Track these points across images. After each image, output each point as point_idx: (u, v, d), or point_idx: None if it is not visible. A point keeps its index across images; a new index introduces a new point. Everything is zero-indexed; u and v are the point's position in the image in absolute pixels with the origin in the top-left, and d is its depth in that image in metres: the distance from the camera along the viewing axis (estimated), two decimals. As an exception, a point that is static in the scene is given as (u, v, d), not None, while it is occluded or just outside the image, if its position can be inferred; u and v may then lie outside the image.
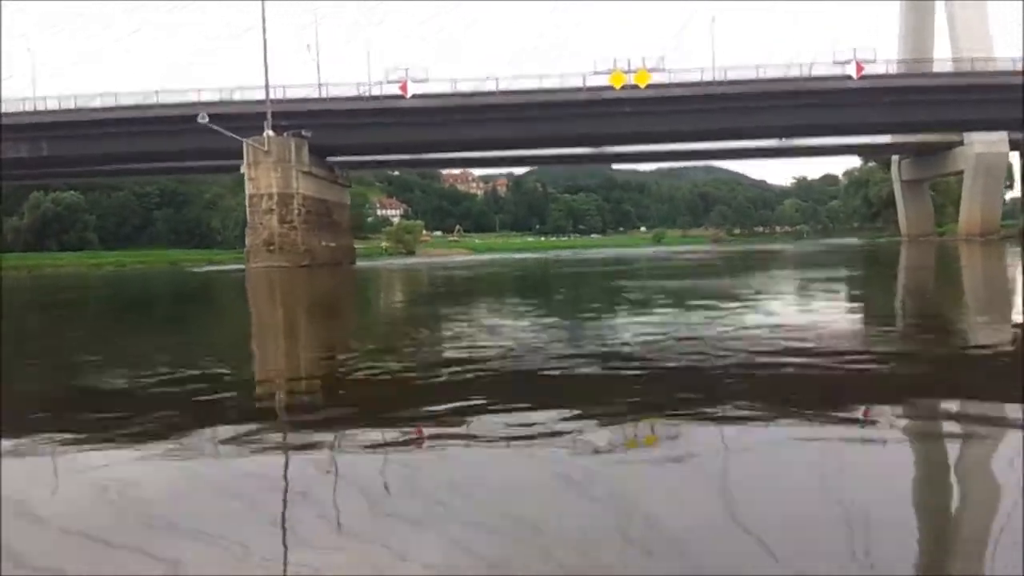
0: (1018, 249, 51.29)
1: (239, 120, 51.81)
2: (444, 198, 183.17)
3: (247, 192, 51.83)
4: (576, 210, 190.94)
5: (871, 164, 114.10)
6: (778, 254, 53.22)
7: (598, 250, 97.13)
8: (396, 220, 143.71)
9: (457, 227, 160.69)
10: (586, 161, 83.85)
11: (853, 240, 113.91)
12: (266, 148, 50.93)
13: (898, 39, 76.66)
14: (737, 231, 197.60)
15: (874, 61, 55.99)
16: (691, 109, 56.18)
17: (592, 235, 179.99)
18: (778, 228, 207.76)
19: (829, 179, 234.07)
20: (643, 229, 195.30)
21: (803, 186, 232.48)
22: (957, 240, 72.50)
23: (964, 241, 69.54)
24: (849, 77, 55.24)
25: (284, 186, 50.97)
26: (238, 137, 50.15)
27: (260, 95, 52.69)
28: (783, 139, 74.90)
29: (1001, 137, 71.93)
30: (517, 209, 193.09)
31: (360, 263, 62.54)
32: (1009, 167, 79.28)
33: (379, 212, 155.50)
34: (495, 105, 54.77)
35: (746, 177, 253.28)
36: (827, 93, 55.53)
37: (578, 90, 55.37)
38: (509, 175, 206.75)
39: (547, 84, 55.32)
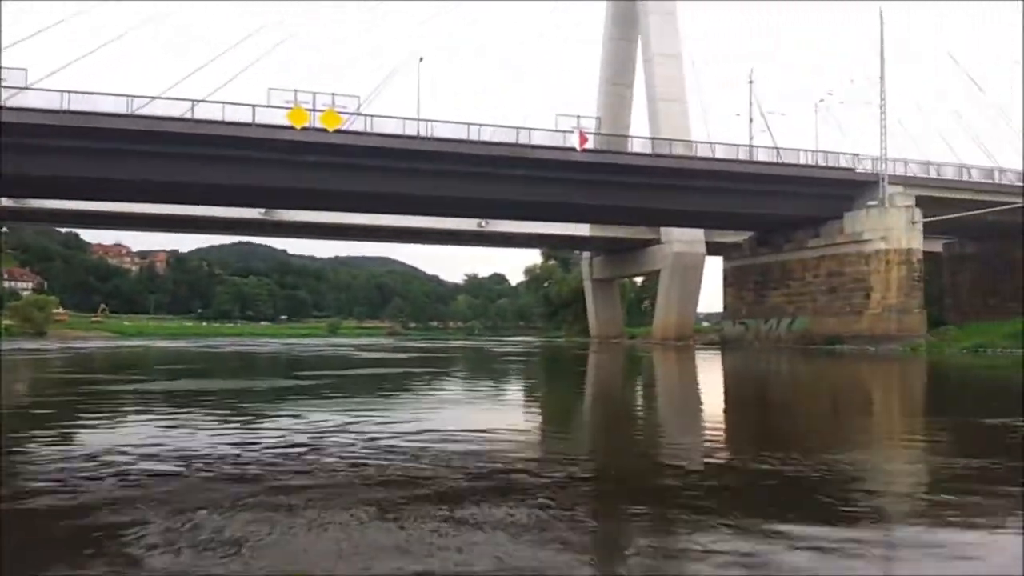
0: (718, 354, 43.56)
1: None
2: (91, 272, 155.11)
3: None
4: (246, 294, 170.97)
5: (552, 262, 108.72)
6: (472, 351, 41.87)
7: (268, 339, 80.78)
8: (27, 294, 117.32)
9: (102, 306, 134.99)
10: (249, 230, 67.31)
11: (530, 338, 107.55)
12: None
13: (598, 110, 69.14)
14: (413, 324, 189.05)
15: (599, 132, 47.00)
16: (389, 168, 43.57)
17: (262, 322, 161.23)
18: (452, 323, 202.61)
19: (497, 278, 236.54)
20: (320, 317, 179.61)
21: (474, 283, 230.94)
22: (650, 343, 65.59)
23: (659, 345, 62.53)
24: (572, 149, 45.54)
25: None
26: None
27: None
28: (483, 223, 64.60)
29: (698, 237, 66.55)
30: (177, 289, 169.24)
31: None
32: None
33: (6, 283, 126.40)
34: (122, 132, 38.32)
35: (422, 271, 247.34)
36: (546, 164, 45.33)
37: (246, 126, 40.66)
38: (173, 253, 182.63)
39: (203, 114, 40.05)
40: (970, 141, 71.50)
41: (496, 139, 44.60)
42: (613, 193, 48.02)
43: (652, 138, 54.44)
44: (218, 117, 40.63)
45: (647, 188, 48.29)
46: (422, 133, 43.46)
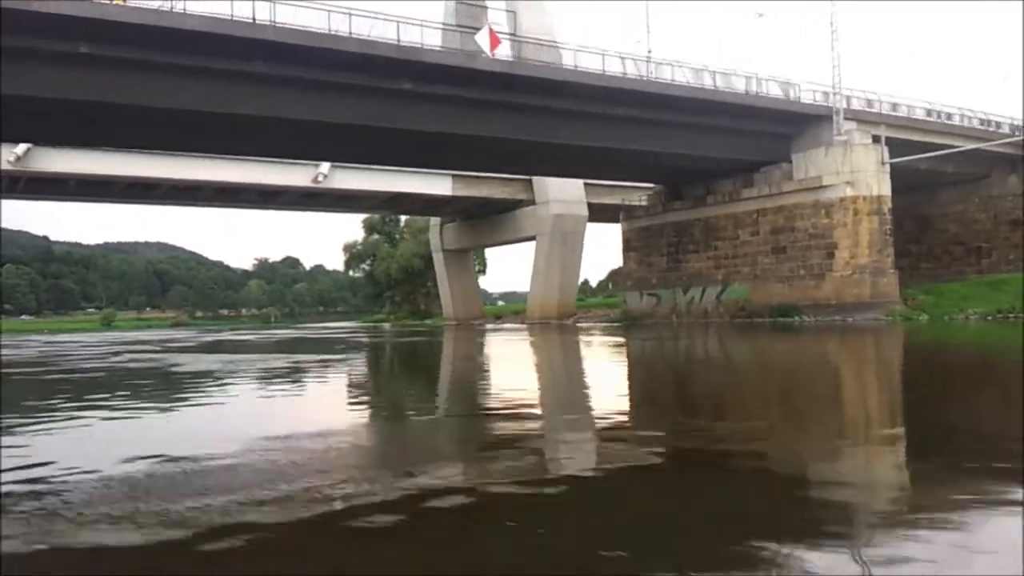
0: (623, 337, 31.09)
1: None
2: None
3: None
4: (1, 285, 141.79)
5: (375, 236, 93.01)
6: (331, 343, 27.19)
7: (27, 337, 60.38)
8: None
9: None
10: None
11: (347, 323, 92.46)
12: None
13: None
14: (200, 314, 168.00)
15: (512, 35, 32.81)
16: (207, 71, 27.39)
17: (23, 316, 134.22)
18: (244, 311, 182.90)
19: (290, 261, 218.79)
20: (90, 310, 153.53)
21: (265, 268, 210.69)
22: (527, 323, 52.65)
23: (539, 325, 49.81)
24: (479, 53, 31.11)
25: None
26: None
27: None
28: (320, 177, 48.64)
29: (579, 197, 54.23)
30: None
31: None
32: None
33: None
34: None
35: (204, 257, 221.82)
36: (446, 74, 30.62)
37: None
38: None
39: None
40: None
41: (373, 35, 29.35)
42: (513, 121, 33.93)
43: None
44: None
45: (560, 117, 34.61)
46: (260, 18, 27.57)
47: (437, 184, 52.01)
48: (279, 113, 29.80)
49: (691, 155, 39.57)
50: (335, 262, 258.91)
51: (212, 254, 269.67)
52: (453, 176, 52.22)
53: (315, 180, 47.73)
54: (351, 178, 48.97)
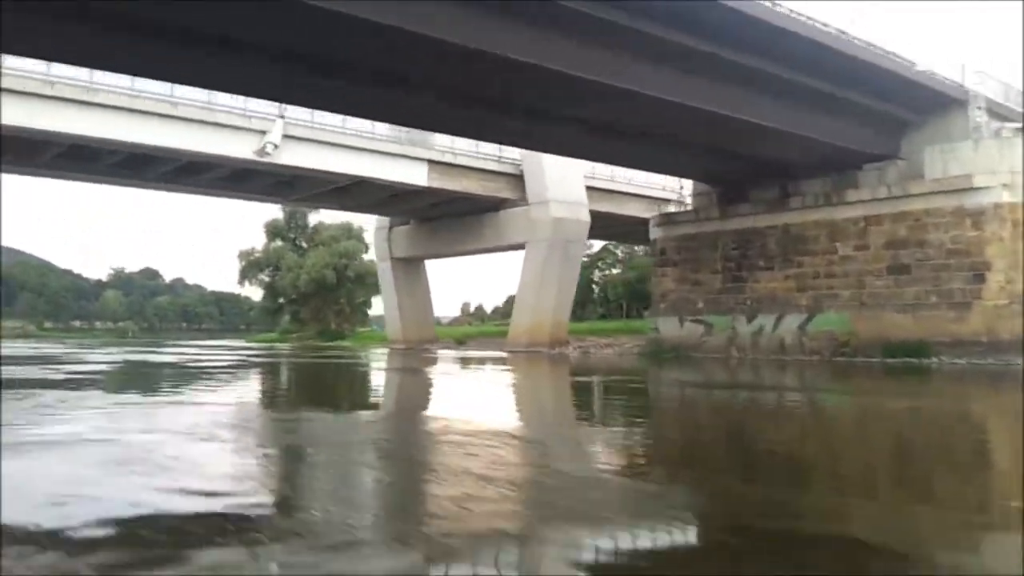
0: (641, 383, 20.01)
1: None
2: None
3: None
4: None
5: (278, 243, 78.01)
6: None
7: None
8: None
9: None
10: None
11: (234, 342, 77.04)
12: None
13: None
14: (49, 325, 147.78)
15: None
16: None
17: None
18: (99, 324, 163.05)
19: (149, 272, 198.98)
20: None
21: (122, 278, 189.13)
22: (509, 350, 40.52)
23: (525, 354, 37.98)
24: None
25: None
26: None
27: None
28: (269, 147, 34.77)
29: (580, 199, 42.73)
30: None
31: None
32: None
33: None
34: None
35: (53, 265, 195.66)
36: None
37: None
38: None
39: None
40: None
41: None
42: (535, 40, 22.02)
43: None
44: None
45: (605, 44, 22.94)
46: None
47: (409, 171, 39.21)
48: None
49: (788, 134, 28.13)
50: (197, 276, 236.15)
51: (60, 262, 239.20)
52: (429, 163, 39.73)
53: (261, 151, 33.87)
54: (307, 153, 35.35)
